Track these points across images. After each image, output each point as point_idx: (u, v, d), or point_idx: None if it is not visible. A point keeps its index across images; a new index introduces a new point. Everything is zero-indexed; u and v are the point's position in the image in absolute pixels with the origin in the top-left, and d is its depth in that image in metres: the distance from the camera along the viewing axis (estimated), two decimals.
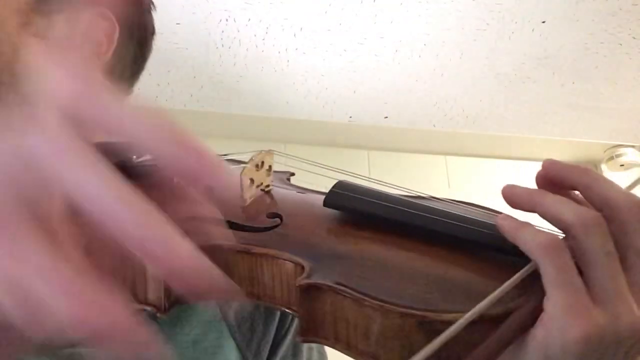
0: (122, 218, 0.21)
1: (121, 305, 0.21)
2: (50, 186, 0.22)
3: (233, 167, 0.49)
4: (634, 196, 0.36)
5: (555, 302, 0.33)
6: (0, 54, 0.23)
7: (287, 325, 0.58)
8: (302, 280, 0.36)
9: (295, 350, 0.58)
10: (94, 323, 0.20)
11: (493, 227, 0.38)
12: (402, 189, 0.47)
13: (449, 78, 2.00)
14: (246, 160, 0.53)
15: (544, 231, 0.35)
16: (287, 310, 0.40)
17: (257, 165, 0.47)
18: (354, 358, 0.36)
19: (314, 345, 0.61)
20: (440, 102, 2.14)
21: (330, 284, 0.35)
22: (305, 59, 1.88)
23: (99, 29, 0.57)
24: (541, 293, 0.34)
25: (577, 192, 0.39)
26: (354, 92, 2.06)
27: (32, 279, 0.20)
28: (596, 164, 2.60)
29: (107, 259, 0.25)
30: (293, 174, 0.56)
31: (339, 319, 0.36)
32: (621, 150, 2.46)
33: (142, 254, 0.21)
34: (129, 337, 0.20)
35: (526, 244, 0.35)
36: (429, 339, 0.31)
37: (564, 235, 0.36)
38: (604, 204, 0.36)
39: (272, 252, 0.40)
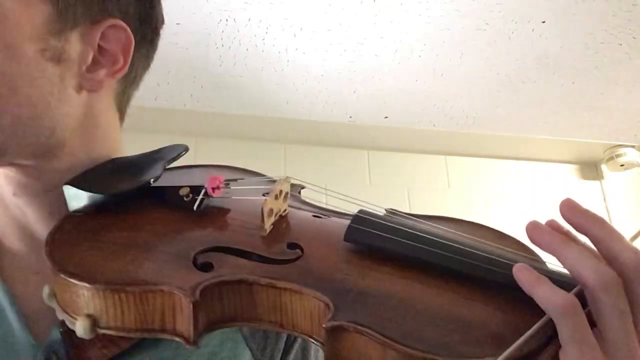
0: None
1: None
2: None
3: (254, 198, 0.50)
4: None
5: (571, 357, 0.36)
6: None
7: None
8: (329, 323, 0.38)
9: (305, 353, 0.59)
10: None
11: (512, 268, 0.40)
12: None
13: (449, 78, 2.00)
14: (246, 167, 0.53)
15: (559, 292, 0.37)
16: (310, 340, 0.41)
17: (276, 195, 0.48)
18: None
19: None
20: (440, 102, 2.14)
21: (355, 326, 0.37)
22: (306, 59, 1.88)
23: (114, 42, 0.53)
24: (558, 342, 0.36)
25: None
26: (354, 92, 2.06)
27: None
28: (596, 164, 2.60)
29: None
30: (303, 187, 0.57)
31: (363, 356, 0.38)
32: (621, 150, 2.46)
33: None
34: None
35: (542, 302, 0.37)
36: None
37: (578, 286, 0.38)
38: (612, 261, 0.38)
39: (296, 287, 0.41)
